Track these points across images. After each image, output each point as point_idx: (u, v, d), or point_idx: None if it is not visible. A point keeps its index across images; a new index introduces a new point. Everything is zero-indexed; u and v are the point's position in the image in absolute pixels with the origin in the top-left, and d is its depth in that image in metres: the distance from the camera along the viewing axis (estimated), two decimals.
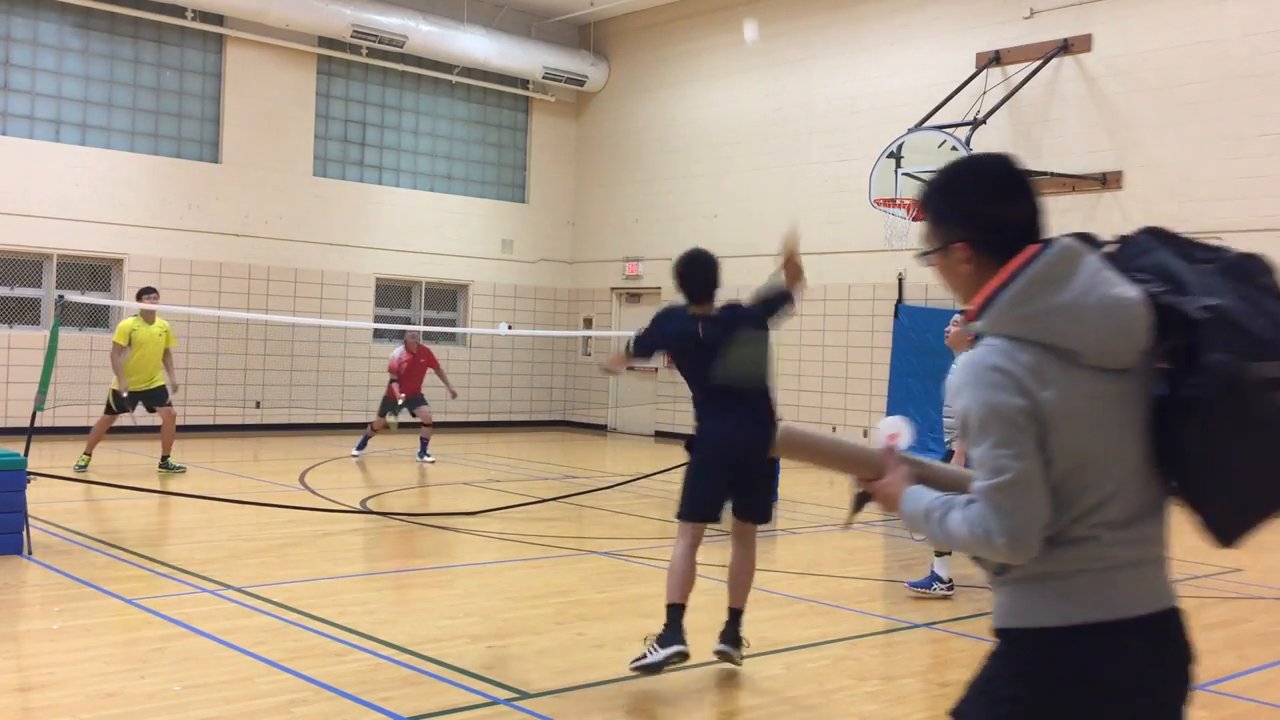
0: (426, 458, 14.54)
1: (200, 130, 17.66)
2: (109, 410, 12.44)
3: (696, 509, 5.64)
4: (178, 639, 5.92)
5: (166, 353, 12.62)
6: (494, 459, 15.71)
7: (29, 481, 8.16)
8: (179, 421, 13.03)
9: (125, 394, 12.27)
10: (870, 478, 2.48)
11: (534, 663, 5.72)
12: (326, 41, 18.52)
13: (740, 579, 5.73)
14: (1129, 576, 2.25)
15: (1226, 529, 2.31)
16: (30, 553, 7.82)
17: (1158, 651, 2.27)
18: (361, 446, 14.83)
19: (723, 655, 5.63)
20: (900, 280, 16.60)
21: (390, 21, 18.35)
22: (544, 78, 20.51)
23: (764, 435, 5.19)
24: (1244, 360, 2.13)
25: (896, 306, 16.53)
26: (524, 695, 5.17)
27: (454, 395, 15.08)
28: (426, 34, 18.82)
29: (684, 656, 5.41)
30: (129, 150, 16.96)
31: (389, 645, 5.89)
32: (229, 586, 7.13)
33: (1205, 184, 13.80)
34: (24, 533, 7.90)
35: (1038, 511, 2.17)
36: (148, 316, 12.40)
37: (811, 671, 5.82)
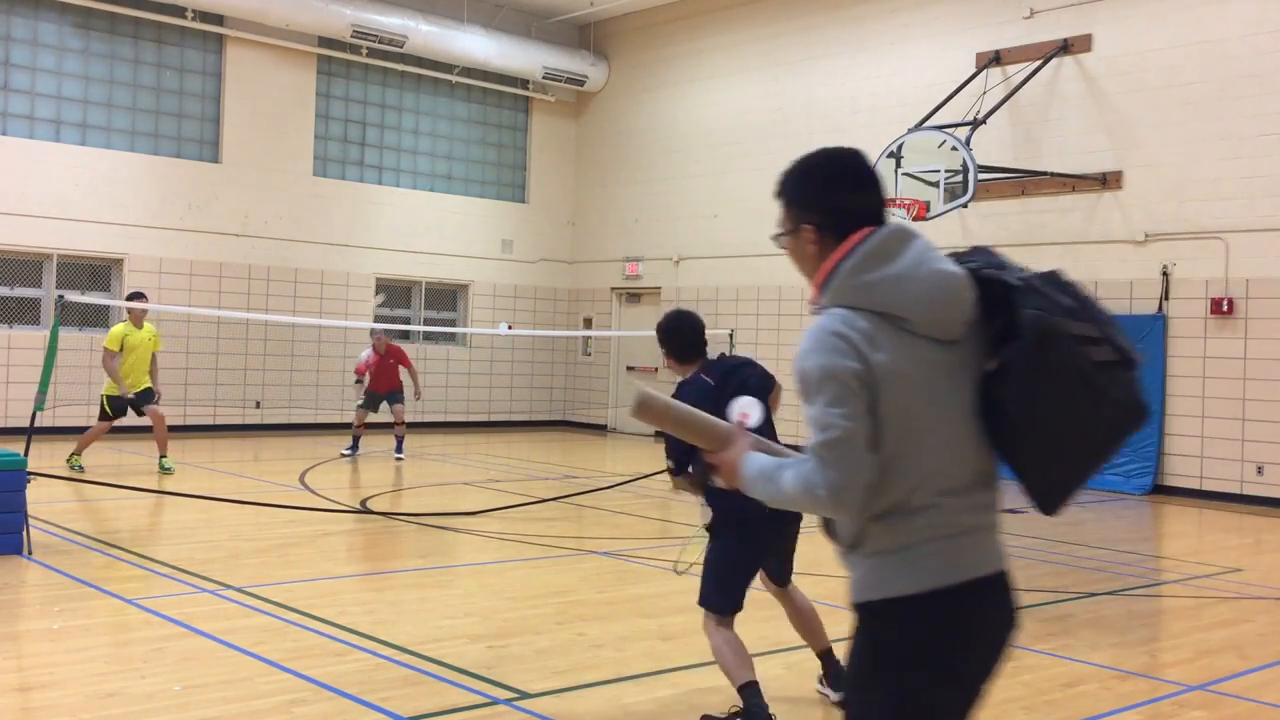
0: (399, 456, 14.57)
1: (200, 130, 17.67)
2: (105, 416, 12.47)
3: (734, 603, 4.98)
4: (178, 639, 5.92)
5: (153, 357, 12.68)
6: (494, 459, 15.71)
7: (29, 481, 8.16)
8: (180, 421, 13.05)
9: (130, 396, 12.32)
10: (717, 450, 2.68)
11: (534, 663, 5.72)
12: (326, 41, 18.52)
13: (810, 624, 5.37)
14: (972, 542, 2.42)
15: (1047, 492, 2.47)
16: (30, 553, 7.82)
17: (998, 609, 2.48)
18: (354, 448, 14.86)
19: (831, 698, 5.33)
20: None
21: (390, 21, 18.35)
22: (544, 78, 20.51)
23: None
24: (1055, 315, 2.38)
25: None
26: (524, 695, 5.17)
27: (418, 396, 15.12)
28: (426, 34, 18.82)
29: None
30: (129, 150, 16.97)
31: (389, 645, 5.89)
32: (229, 586, 7.13)
33: (1205, 184, 13.80)
34: (24, 533, 7.91)
35: (861, 468, 2.32)
36: (136, 321, 12.46)
37: (811, 671, 5.81)
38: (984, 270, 2.47)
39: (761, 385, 5.20)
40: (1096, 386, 2.39)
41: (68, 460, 12.30)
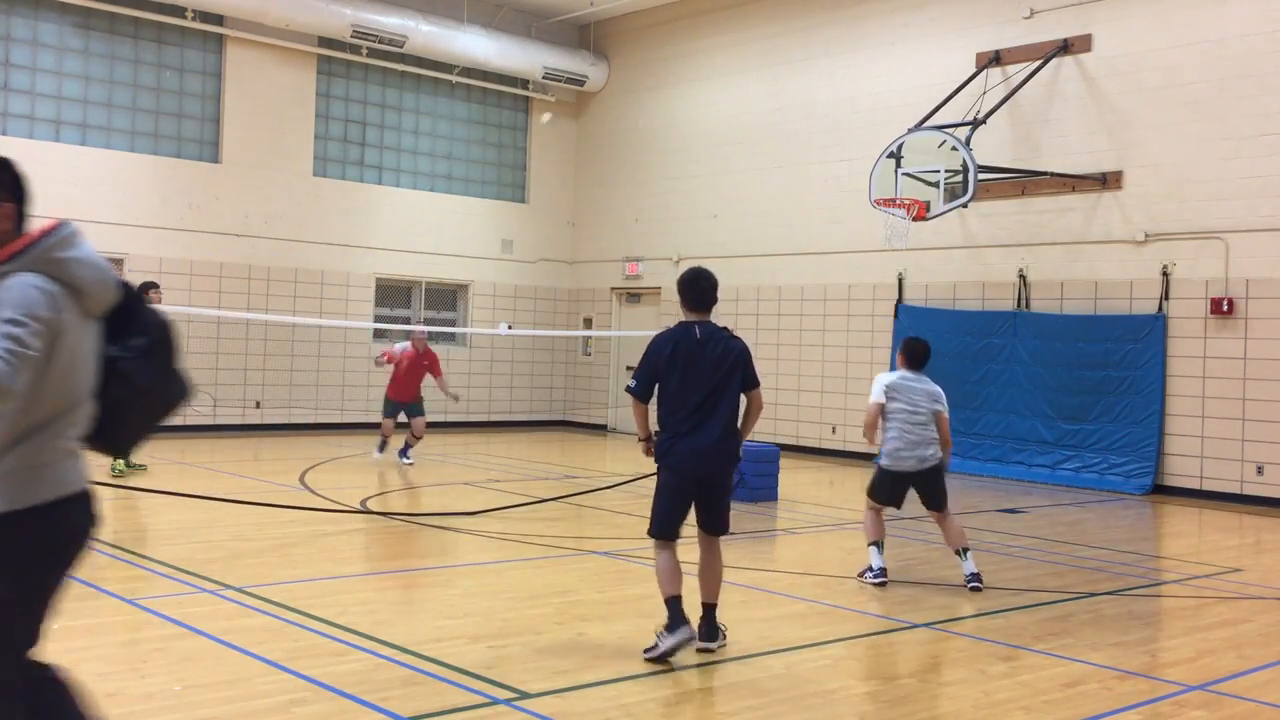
0: (406, 459, 14.15)
1: (200, 130, 17.67)
2: None
3: (664, 530, 6.07)
4: (178, 639, 5.92)
5: None
6: (494, 459, 15.71)
7: None
8: (180, 421, 12.98)
9: None
10: None
11: (534, 663, 5.72)
12: (326, 41, 18.53)
13: (710, 577, 6.12)
14: (74, 464, 3.20)
15: (119, 441, 3.45)
16: None
17: (90, 514, 3.28)
18: (382, 449, 14.50)
19: (704, 650, 5.98)
20: (900, 280, 16.61)
21: (390, 21, 18.35)
22: (544, 78, 20.52)
23: (719, 450, 5.97)
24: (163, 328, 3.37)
25: (896, 306, 16.54)
26: (524, 695, 5.17)
27: (455, 398, 14.65)
28: (426, 34, 18.82)
29: (692, 637, 5.85)
30: (129, 150, 16.97)
31: (389, 645, 5.89)
32: (229, 586, 7.13)
33: (1205, 184, 13.80)
34: None
35: (22, 378, 2.94)
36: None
37: (811, 671, 5.82)
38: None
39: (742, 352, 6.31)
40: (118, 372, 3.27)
41: (126, 465, 12.13)
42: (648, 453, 6.21)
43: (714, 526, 6.15)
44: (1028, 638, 6.59)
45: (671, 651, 5.78)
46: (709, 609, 6.06)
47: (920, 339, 8.37)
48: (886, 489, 8.11)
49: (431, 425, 14.69)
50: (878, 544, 8.04)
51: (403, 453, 14.28)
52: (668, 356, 6.06)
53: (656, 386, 6.13)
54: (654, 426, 6.23)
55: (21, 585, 3.09)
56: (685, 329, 6.13)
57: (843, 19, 17.65)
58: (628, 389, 6.22)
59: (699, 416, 5.98)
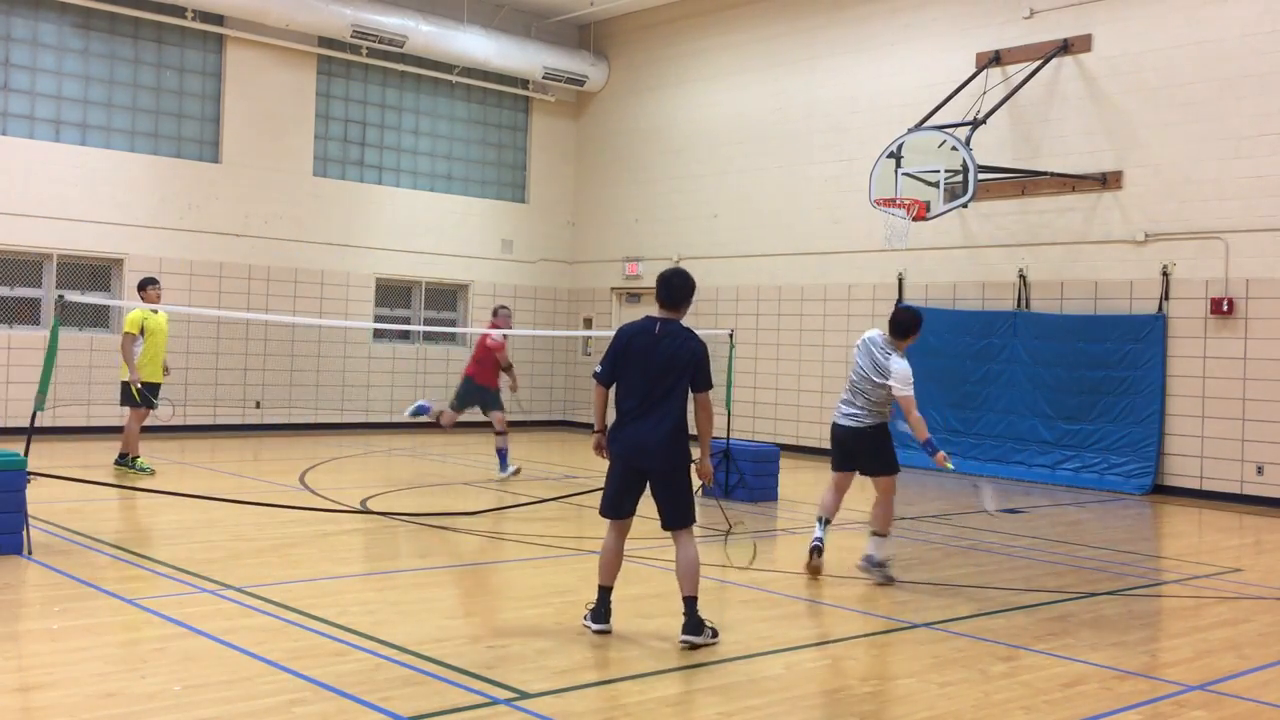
0: (508, 469, 12.92)
1: (200, 130, 17.67)
2: (134, 404, 12.15)
3: (607, 508, 6.39)
4: (178, 639, 5.92)
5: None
6: (494, 459, 15.68)
7: (29, 481, 8.16)
8: (180, 421, 12.99)
9: (138, 385, 12.06)
10: None
11: (534, 663, 5.72)
12: (326, 41, 18.53)
13: (685, 571, 6.20)
14: None
15: None
16: (30, 553, 7.82)
17: None
18: (504, 465, 13.02)
19: (687, 644, 6.04)
20: (900, 280, 16.60)
21: (390, 21, 18.35)
22: (544, 78, 20.51)
23: (659, 445, 6.12)
24: None
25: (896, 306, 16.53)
26: (524, 695, 5.17)
27: (515, 389, 13.48)
28: (426, 34, 18.82)
29: (606, 633, 6.23)
30: (129, 150, 16.97)
31: (389, 645, 5.89)
32: (229, 586, 7.13)
33: (1205, 184, 13.80)
34: (24, 533, 7.91)
35: None
36: (156, 303, 12.27)
37: (811, 671, 5.82)
38: None
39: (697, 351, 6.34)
40: None
41: (130, 465, 12.09)
42: (598, 447, 6.45)
43: (668, 520, 6.27)
44: (1028, 638, 6.59)
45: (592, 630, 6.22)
46: (688, 601, 6.13)
47: (907, 308, 8.48)
48: (832, 449, 8.31)
49: (432, 425, 14.45)
50: (821, 519, 8.17)
51: (501, 466, 12.94)
52: (624, 347, 6.29)
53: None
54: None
55: None
56: (647, 324, 6.31)
57: (843, 19, 17.65)
58: (594, 374, 6.50)
59: (644, 408, 6.19)
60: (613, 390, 6.40)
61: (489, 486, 12.60)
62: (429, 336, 19.76)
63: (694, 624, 6.09)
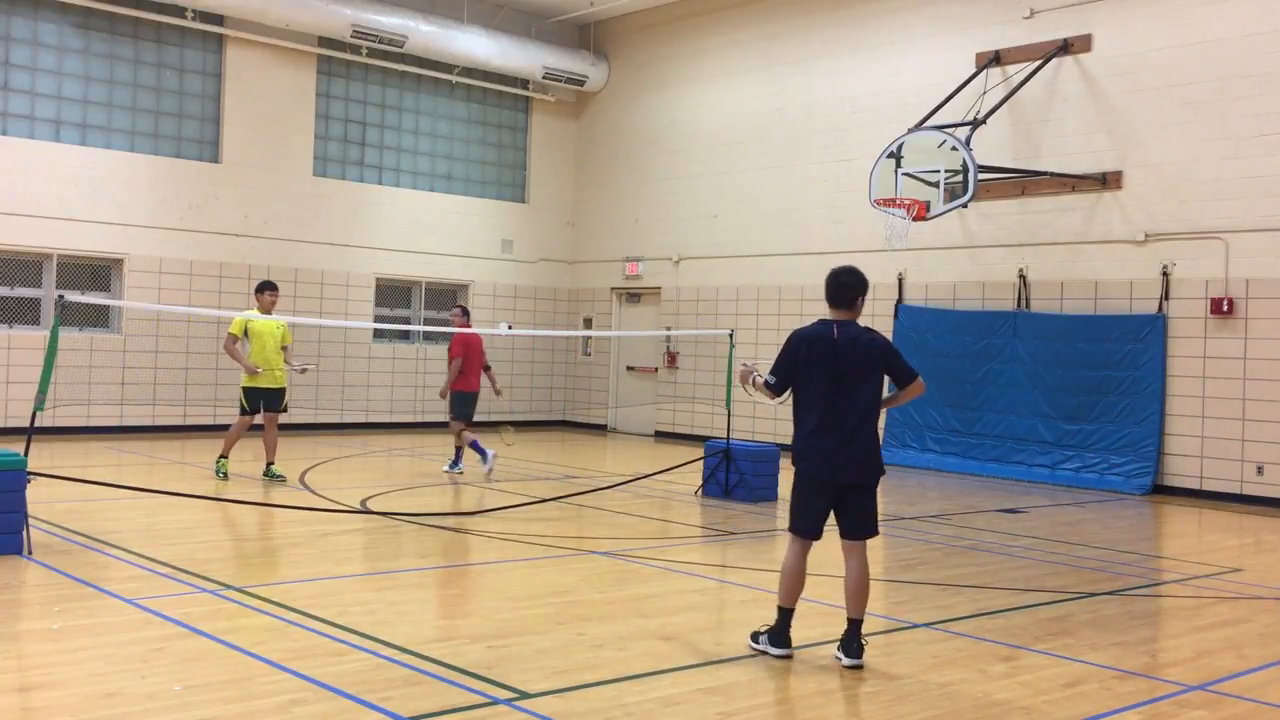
0: (460, 468, 13.53)
1: (200, 130, 17.67)
2: (244, 411, 12.24)
3: (808, 528, 6.03)
4: (178, 639, 5.92)
5: (284, 349, 12.47)
6: (493, 460, 15.67)
7: (29, 481, 8.16)
8: (180, 422, 13.01)
9: (259, 371, 12.07)
10: None
11: (534, 663, 5.72)
12: (326, 41, 18.53)
13: (856, 591, 5.97)
14: None
15: None
16: (30, 553, 7.82)
17: None
18: (483, 464, 13.35)
19: (849, 666, 5.87)
20: (900, 280, 16.61)
21: (390, 21, 18.35)
22: (544, 78, 20.51)
23: (863, 457, 5.86)
24: None
25: (896, 306, 16.54)
26: (524, 695, 5.17)
27: (499, 393, 14.16)
28: (426, 34, 18.82)
29: (789, 657, 5.92)
30: (129, 150, 16.96)
31: (389, 645, 5.89)
32: (229, 586, 7.12)
33: (1205, 184, 13.80)
34: (24, 533, 7.90)
35: None
36: (265, 309, 12.21)
37: (812, 671, 5.82)
38: None
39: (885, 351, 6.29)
40: None
41: (217, 470, 12.11)
42: (744, 376, 6.14)
43: (858, 530, 6.00)
44: (1028, 638, 6.59)
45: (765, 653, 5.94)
46: (853, 624, 5.92)
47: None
48: None
49: (432, 425, 14.57)
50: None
51: (458, 459, 13.60)
52: (801, 354, 6.01)
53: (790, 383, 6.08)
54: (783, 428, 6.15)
55: None
56: (822, 328, 6.09)
57: (843, 19, 17.65)
58: (765, 383, 6.10)
59: (835, 420, 5.92)
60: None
61: (489, 486, 12.60)
62: (429, 336, 19.76)
63: (858, 646, 5.89)
